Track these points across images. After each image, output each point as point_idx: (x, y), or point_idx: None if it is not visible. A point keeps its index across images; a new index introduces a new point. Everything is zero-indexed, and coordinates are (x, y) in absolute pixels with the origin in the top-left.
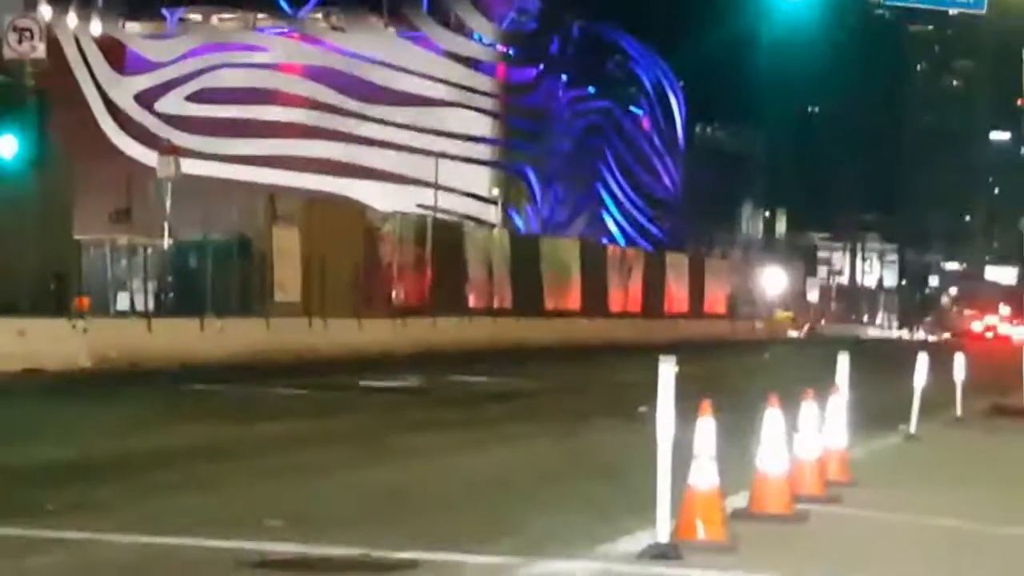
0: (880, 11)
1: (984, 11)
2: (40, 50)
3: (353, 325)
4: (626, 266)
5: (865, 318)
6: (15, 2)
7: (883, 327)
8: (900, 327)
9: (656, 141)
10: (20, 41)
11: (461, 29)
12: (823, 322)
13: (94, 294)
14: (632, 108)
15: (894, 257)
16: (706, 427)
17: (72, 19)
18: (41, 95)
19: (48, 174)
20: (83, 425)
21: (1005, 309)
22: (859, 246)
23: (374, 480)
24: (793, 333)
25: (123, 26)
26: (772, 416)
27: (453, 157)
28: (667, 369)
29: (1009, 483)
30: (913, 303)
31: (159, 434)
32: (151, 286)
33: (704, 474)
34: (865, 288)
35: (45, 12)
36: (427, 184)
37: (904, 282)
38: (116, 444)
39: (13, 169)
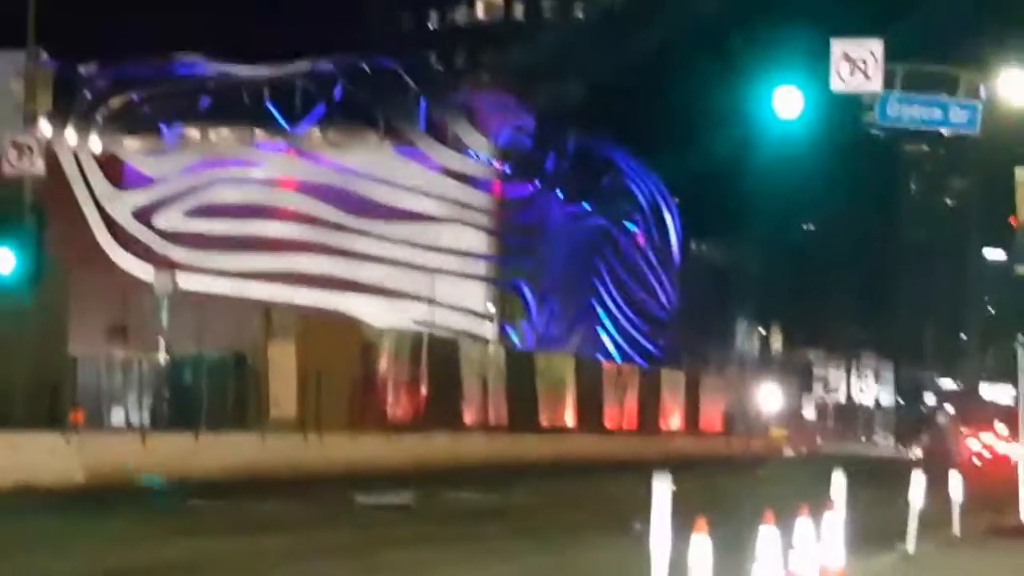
0: (874, 131)
1: (977, 132)
2: (39, 166)
3: (347, 440)
4: (621, 382)
5: (861, 435)
6: (15, 119)
7: (879, 444)
8: (896, 444)
9: (651, 257)
10: (19, 157)
11: (458, 146)
12: (819, 439)
13: (89, 408)
14: (627, 224)
15: (889, 374)
16: (701, 544)
17: (71, 135)
18: (39, 211)
19: (45, 289)
20: (77, 540)
21: (1002, 428)
22: (854, 362)
23: None
24: (789, 451)
25: (122, 142)
26: (767, 533)
27: (448, 272)
28: (662, 486)
29: None
30: (909, 420)
31: (152, 549)
32: (146, 400)
33: None
34: (861, 405)
35: (45, 129)
36: (422, 300)
37: (900, 399)
38: (110, 559)
39: (10, 284)
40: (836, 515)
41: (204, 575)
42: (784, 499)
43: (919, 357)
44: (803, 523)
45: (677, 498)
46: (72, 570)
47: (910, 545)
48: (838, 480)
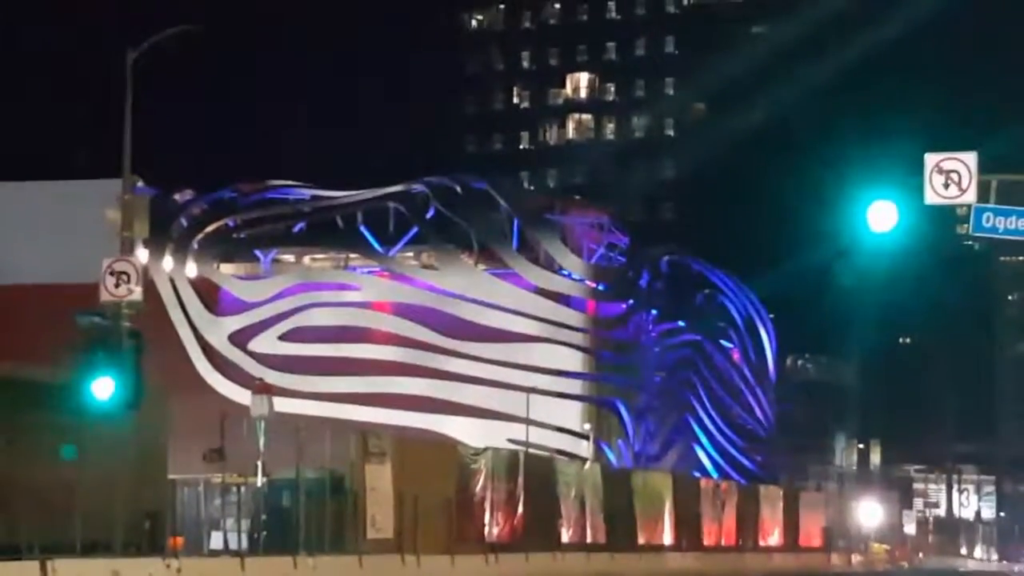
0: (969, 242)
1: None
2: (137, 293)
3: (446, 561)
4: (719, 499)
5: (964, 551)
6: (112, 247)
7: (983, 559)
8: (1000, 560)
9: (747, 373)
10: (117, 284)
11: (551, 265)
12: (920, 555)
13: (187, 533)
14: (722, 341)
15: (991, 488)
16: None
17: (168, 262)
18: (137, 337)
19: (143, 414)
20: None
21: None
22: (955, 477)
23: None
24: (890, 567)
25: (217, 267)
26: None
27: (544, 392)
28: None
29: None
30: (1012, 535)
31: None
32: (244, 524)
33: None
34: (963, 520)
35: (142, 255)
36: (518, 419)
37: (1002, 514)
38: None
39: (109, 410)
40: None
41: None
42: None
43: (1022, 471)
44: None
45: None
46: None
47: None
48: None
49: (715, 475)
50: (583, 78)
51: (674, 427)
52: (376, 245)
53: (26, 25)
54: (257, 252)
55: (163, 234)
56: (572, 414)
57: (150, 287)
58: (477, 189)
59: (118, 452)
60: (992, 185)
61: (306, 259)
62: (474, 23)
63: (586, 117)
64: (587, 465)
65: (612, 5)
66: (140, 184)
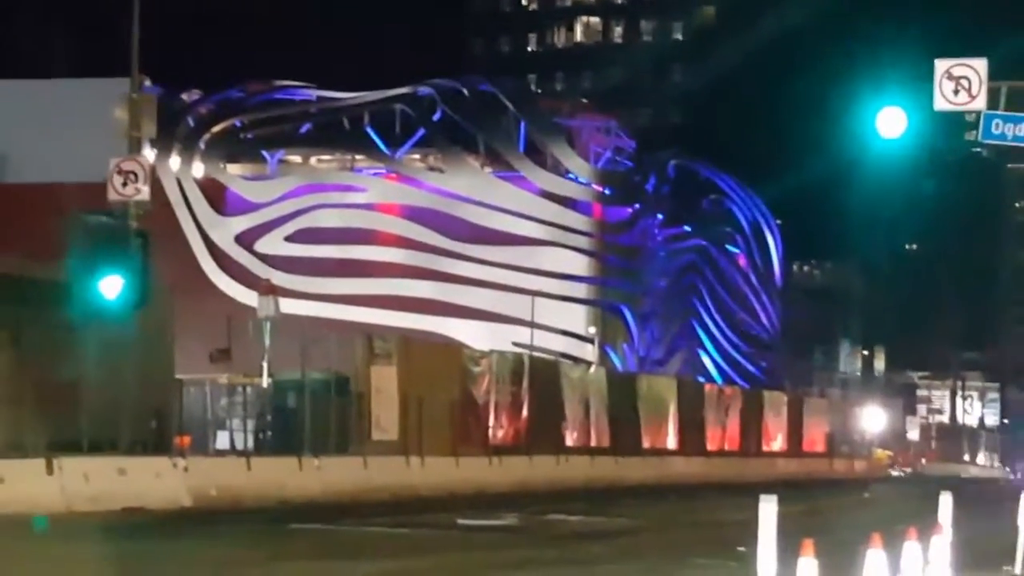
0: (978, 149)
1: None
2: (144, 192)
3: (450, 463)
4: (723, 404)
5: (966, 457)
6: (120, 145)
7: (985, 466)
8: (1002, 466)
9: (753, 279)
10: (125, 184)
11: (557, 169)
12: (923, 461)
13: (194, 432)
14: (728, 246)
15: (995, 395)
16: (809, 568)
17: (175, 161)
18: (144, 237)
19: (150, 314)
20: (185, 564)
21: None
22: (959, 384)
23: None
24: (894, 472)
25: (224, 168)
26: (874, 557)
27: (549, 296)
28: (768, 508)
29: None
30: (1015, 442)
31: (259, 573)
32: (250, 424)
33: None
34: (966, 427)
35: (149, 155)
36: (523, 323)
37: (1006, 420)
38: None
39: (116, 309)
40: (943, 538)
41: None
42: (890, 522)
43: None
44: (911, 547)
45: (782, 520)
46: None
47: (1018, 567)
48: (945, 503)
49: (719, 380)
50: None
51: (679, 332)
52: (383, 147)
53: None
54: (264, 153)
55: (170, 134)
56: (577, 318)
57: (157, 187)
58: (484, 92)
59: (124, 351)
60: (1002, 92)
61: (312, 160)
62: None
63: (594, 20)
64: (592, 369)
65: None
66: (148, 83)
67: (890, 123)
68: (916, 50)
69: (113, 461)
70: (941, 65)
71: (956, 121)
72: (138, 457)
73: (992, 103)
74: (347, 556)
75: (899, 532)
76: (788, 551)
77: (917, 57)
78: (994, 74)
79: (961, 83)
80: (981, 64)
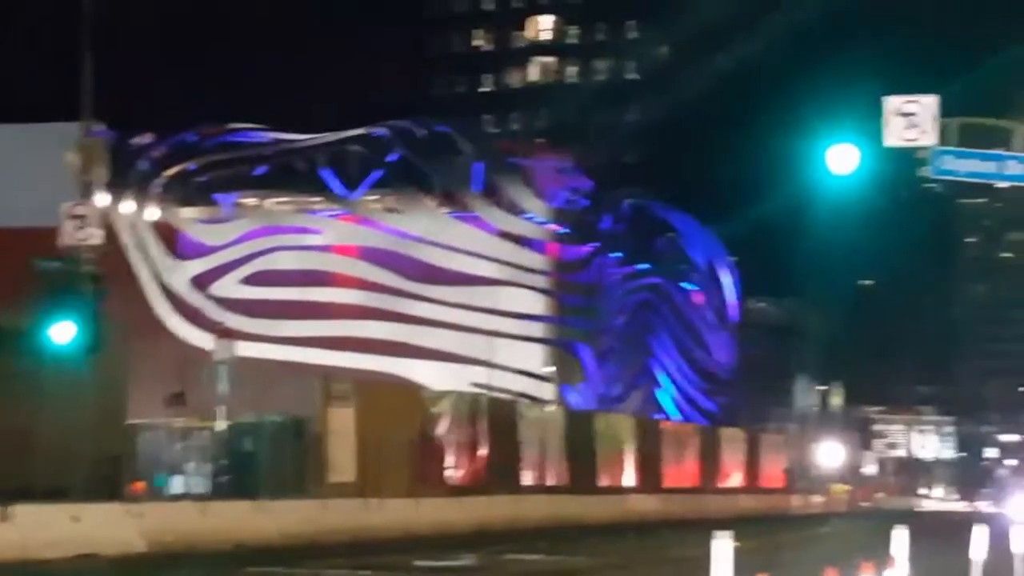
0: (930, 185)
1: None
2: (97, 237)
3: (409, 504)
4: (681, 441)
5: (922, 490)
6: (72, 191)
7: (941, 499)
8: (958, 499)
9: (708, 316)
10: (77, 228)
11: (513, 209)
12: (880, 495)
13: (149, 478)
14: (684, 284)
15: (951, 429)
16: None
17: (129, 206)
18: (97, 281)
19: (104, 359)
20: None
21: None
22: (915, 418)
23: None
24: (850, 507)
25: (178, 211)
26: None
27: (507, 335)
28: (722, 545)
29: None
30: (970, 475)
31: None
32: (206, 468)
33: None
34: (922, 460)
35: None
36: (481, 363)
37: (962, 454)
38: None
39: (70, 354)
40: (897, 572)
41: None
42: (846, 556)
43: (980, 411)
44: None
45: (741, 556)
46: None
47: None
48: (899, 537)
49: (677, 417)
50: (546, 20)
51: (636, 370)
52: (339, 188)
53: None
54: (218, 196)
55: (124, 178)
56: (535, 357)
57: (110, 231)
58: (440, 132)
59: (78, 397)
60: (952, 128)
61: (268, 202)
62: None
63: (549, 60)
64: (549, 408)
65: None
66: (100, 127)
67: (842, 160)
68: (868, 87)
69: (67, 508)
70: (891, 102)
71: (908, 157)
72: (92, 504)
73: (943, 139)
74: None
75: (854, 566)
76: None
77: (869, 94)
78: (944, 110)
79: (911, 120)
80: (931, 100)
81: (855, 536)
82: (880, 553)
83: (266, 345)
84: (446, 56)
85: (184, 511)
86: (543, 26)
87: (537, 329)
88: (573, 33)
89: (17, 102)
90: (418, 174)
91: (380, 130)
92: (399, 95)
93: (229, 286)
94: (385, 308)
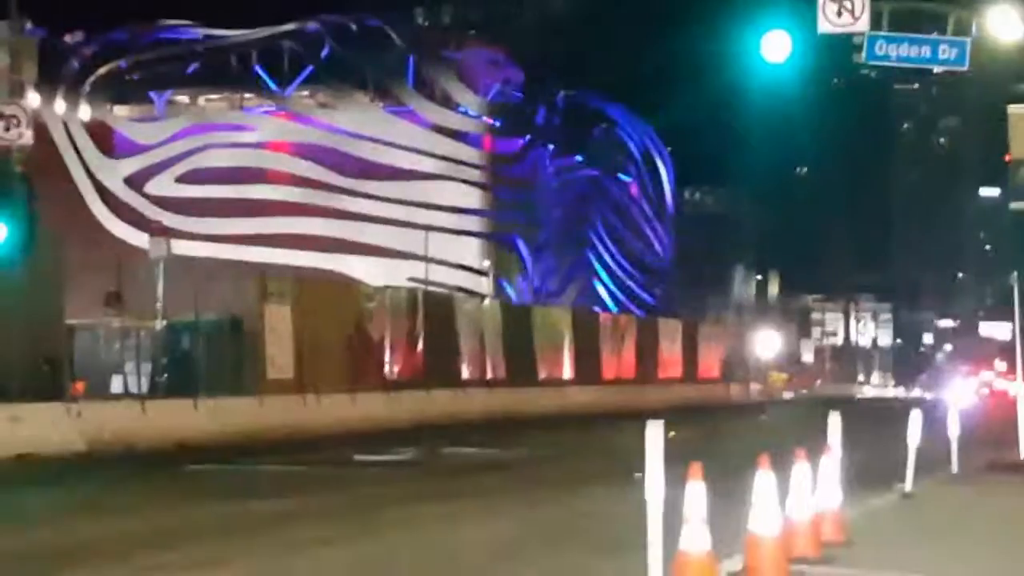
0: (865, 71)
1: (966, 68)
2: (27, 137)
3: (346, 400)
4: (618, 333)
5: (860, 378)
6: (1, 90)
7: (879, 386)
8: (895, 386)
9: (645, 207)
10: (7, 128)
11: (447, 103)
12: (818, 382)
13: (88, 377)
14: (620, 175)
15: (888, 316)
16: (696, 491)
17: (60, 105)
18: (29, 181)
19: (38, 259)
20: (81, 508)
21: (1000, 364)
22: (852, 306)
23: (369, 554)
24: (788, 394)
25: (111, 110)
26: (764, 478)
27: (443, 230)
28: (655, 433)
29: (1007, 539)
30: (908, 361)
31: (156, 515)
32: (145, 368)
33: (696, 538)
34: (860, 348)
35: (32, 99)
36: (417, 257)
37: (899, 341)
38: (114, 526)
39: (3, 255)
40: (833, 458)
41: (199, 540)
42: (782, 444)
43: (917, 298)
44: (800, 468)
45: (676, 445)
46: (82, 538)
47: (908, 484)
48: (834, 423)
49: (614, 309)
50: None
51: (573, 262)
52: (271, 85)
53: None
54: (151, 94)
55: (54, 77)
56: (471, 251)
57: (42, 131)
58: (372, 27)
59: (13, 298)
60: (885, 12)
61: (201, 100)
62: None
63: None
64: (486, 302)
65: None
66: (29, 26)
67: (775, 47)
68: None
69: (5, 408)
70: None
71: (842, 44)
72: (31, 404)
73: (875, 24)
74: (244, 495)
75: (790, 454)
76: (681, 476)
77: None
78: None
79: (844, 5)
80: None
81: (793, 424)
82: (818, 440)
83: (202, 243)
84: None
85: (124, 410)
86: None
87: (473, 223)
88: None
89: None
90: (351, 69)
91: (312, 25)
92: None
93: (164, 184)
94: (320, 204)
